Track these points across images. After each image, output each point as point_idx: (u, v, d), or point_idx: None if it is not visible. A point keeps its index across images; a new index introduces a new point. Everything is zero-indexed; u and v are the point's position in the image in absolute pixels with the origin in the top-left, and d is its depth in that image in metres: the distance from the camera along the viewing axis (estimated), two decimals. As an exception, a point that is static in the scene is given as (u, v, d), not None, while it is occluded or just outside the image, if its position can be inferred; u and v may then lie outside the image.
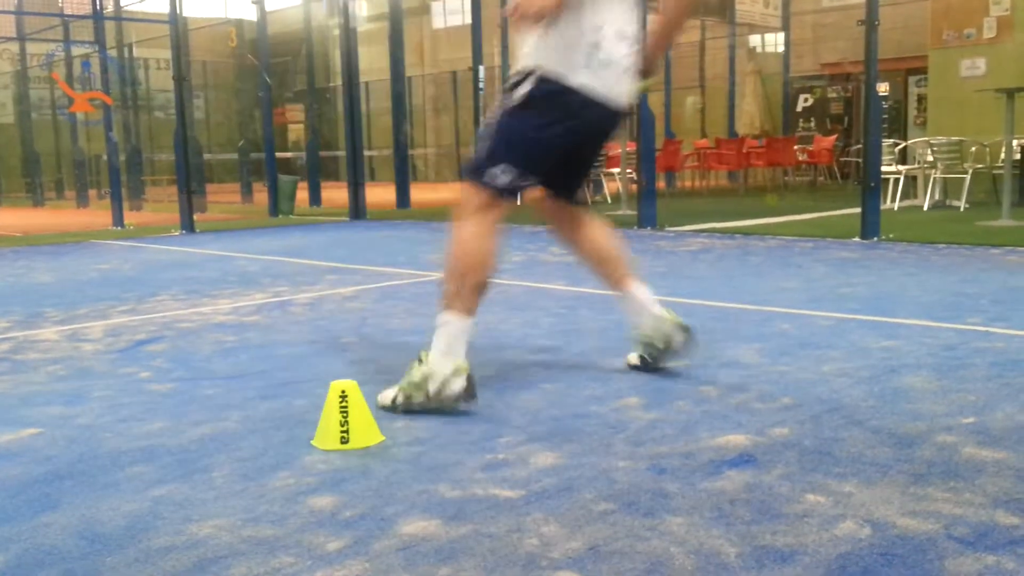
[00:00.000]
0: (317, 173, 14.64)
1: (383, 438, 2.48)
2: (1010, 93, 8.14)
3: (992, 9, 11.28)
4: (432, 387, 2.69)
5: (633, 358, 3.18)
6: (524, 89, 2.72)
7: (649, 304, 3.06)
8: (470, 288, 2.71)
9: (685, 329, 3.04)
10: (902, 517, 1.88)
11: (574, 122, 2.77)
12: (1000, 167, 8.48)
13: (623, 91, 2.82)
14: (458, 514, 1.96)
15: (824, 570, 1.66)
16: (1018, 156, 9.07)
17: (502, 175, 2.72)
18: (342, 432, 2.42)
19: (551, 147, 2.81)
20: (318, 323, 4.32)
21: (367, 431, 2.46)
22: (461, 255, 2.73)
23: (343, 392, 2.44)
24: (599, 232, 3.12)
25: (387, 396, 2.77)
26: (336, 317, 4.47)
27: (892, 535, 1.80)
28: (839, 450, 2.30)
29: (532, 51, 2.75)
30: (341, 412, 2.42)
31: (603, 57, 2.73)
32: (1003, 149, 8.34)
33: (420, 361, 2.73)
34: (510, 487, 2.11)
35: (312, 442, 2.46)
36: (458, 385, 2.68)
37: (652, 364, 3.12)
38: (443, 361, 2.69)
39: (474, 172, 2.76)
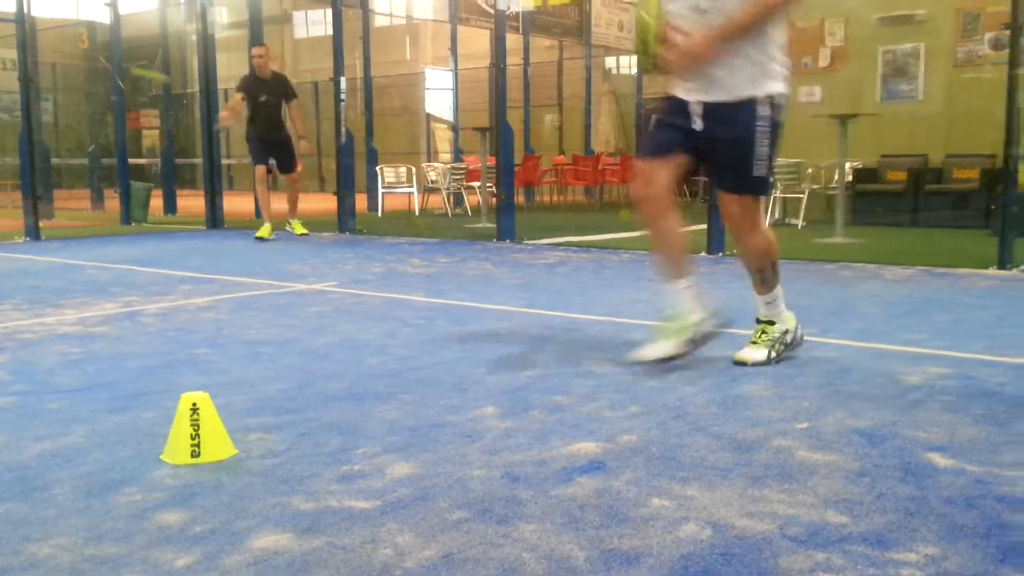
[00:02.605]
0: (172, 180, 14.17)
1: (236, 451, 2.44)
2: (843, 119, 8.68)
3: (827, 40, 12.01)
4: (789, 337, 3.49)
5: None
6: (780, 107, 3.28)
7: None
8: (777, 268, 3.50)
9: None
10: (740, 518, 1.99)
11: None
12: (834, 188, 9.01)
13: None
14: (311, 526, 1.95)
15: (668, 571, 1.74)
16: (850, 178, 9.65)
17: (769, 185, 3.51)
18: (192, 446, 2.37)
19: None
20: (170, 334, 4.19)
21: (219, 444, 2.42)
22: (773, 250, 3.44)
23: (194, 404, 2.39)
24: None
25: (757, 354, 3.42)
26: (189, 328, 4.35)
27: (731, 535, 1.90)
28: (683, 455, 2.41)
29: (765, 78, 3.25)
30: (192, 425, 2.37)
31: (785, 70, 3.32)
32: (836, 171, 8.88)
33: (771, 323, 3.49)
34: (365, 498, 2.11)
35: (161, 456, 2.40)
36: (800, 331, 3.56)
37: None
38: (789, 317, 3.53)
39: (763, 188, 3.40)
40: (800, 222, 10.02)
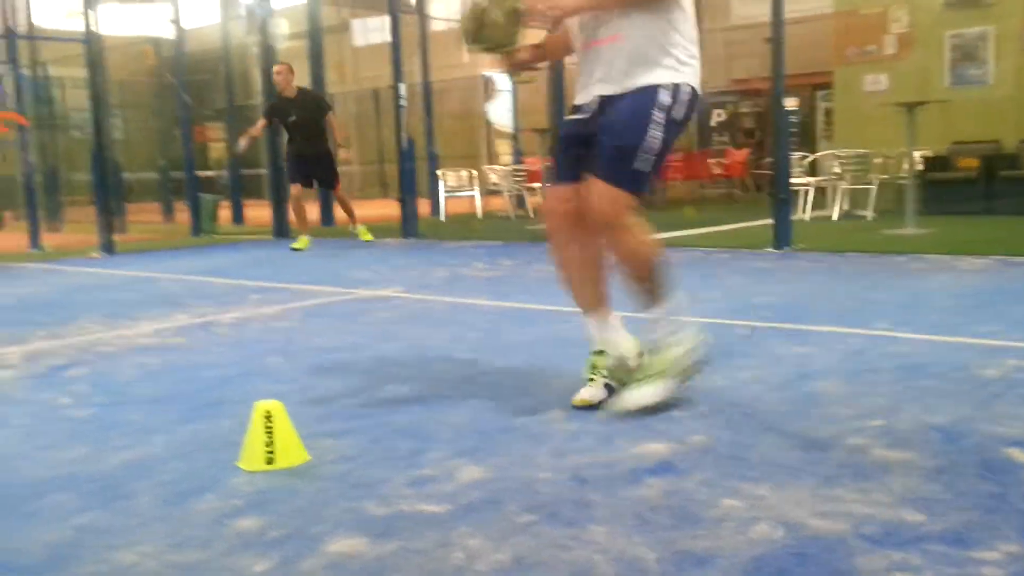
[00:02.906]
0: (239, 191, 14.46)
1: (309, 457, 2.49)
2: (910, 107, 8.48)
3: (892, 27, 11.75)
4: (688, 359, 2.89)
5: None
6: (683, 103, 2.84)
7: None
8: (663, 276, 2.91)
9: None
10: (814, 518, 1.96)
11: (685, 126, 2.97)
12: (904, 177, 8.82)
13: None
14: (385, 531, 1.98)
15: (740, 572, 1.73)
16: (920, 167, 9.43)
17: (648, 184, 2.88)
18: (267, 453, 2.42)
19: None
20: (243, 344, 4.28)
21: (293, 451, 2.47)
22: (653, 254, 2.90)
23: (268, 413, 2.44)
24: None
25: (640, 398, 2.82)
26: (261, 337, 4.44)
27: (804, 535, 1.88)
28: (754, 455, 2.39)
29: (661, 66, 2.83)
30: (266, 433, 2.43)
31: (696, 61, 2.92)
32: (906, 160, 8.68)
33: (663, 347, 2.88)
34: (437, 502, 2.14)
35: (237, 464, 2.46)
36: (702, 351, 2.94)
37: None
38: (689, 332, 2.93)
39: (638, 183, 2.83)
40: (869, 213, 9.82)
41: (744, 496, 2.10)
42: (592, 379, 3.01)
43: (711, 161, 15.07)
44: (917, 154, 9.03)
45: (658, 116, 2.79)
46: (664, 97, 2.80)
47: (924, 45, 11.43)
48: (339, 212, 10.02)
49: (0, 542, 2.00)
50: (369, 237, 9.75)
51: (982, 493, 2.07)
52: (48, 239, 11.31)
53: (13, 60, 11.48)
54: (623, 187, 2.80)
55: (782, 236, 7.39)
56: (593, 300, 3.06)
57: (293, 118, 8.85)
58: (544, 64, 3.35)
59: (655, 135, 2.79)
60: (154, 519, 2.11)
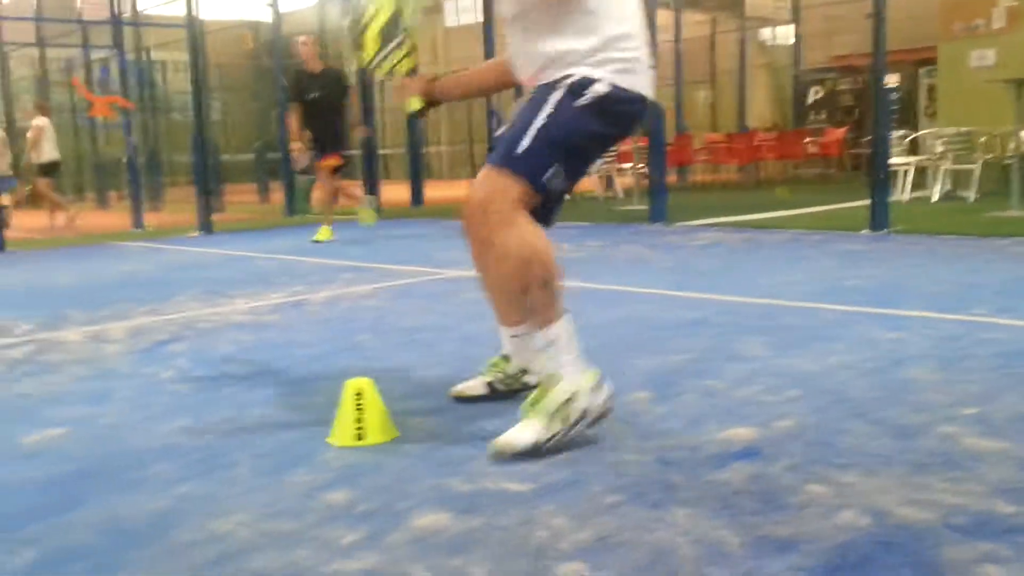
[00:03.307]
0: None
1: (398, 434, 2.55)
2: (1019, 84, 8.13)
3: (1002, 0, 11.26)
4: (580, 405, 2.37)
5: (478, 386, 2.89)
6: (598, 91, 2.44)
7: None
8: (554, 291, 2.43)
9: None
10: (902, 506, 1.93)
11: (620, 130, 2.62)
12: (1010, 157, 8.47)
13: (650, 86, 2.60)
14: (469, 507, 2.03)
15: (825, 558, 1.72)
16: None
17: (555, 177, 2.43)
18: (357, 429, 2.49)
19: (599, 156, 2.72)
20: (334, 322, 4.39)
21: (382, 428, 2.53)
22: (539, 262, 2.39)
23: (358, 390, 2.51)
24: None
25: (521, 438, 2.34)
26: (352, 316, 4.54)
27: (891, 524, 1.86)
28: (842, 441, 2.36)
29: (567, 64, 2.49)
30: (357, 410, 2.50)
31: (642, 57, 2.56)
32: (1013, 140, 8.34)
33: (543, 389, 2.41)
34: (520, 481, 2.17)
35: (328, 439, 2.54)
36: (604, 395, 2.44)
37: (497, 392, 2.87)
38: (582, 374, 2.42)
39: (526, 166, 2.40)
40: (972, 195, 9.47)
41: (830, 482, 2.08)
42: (482, 373, 2.86)
43: (807, 140, 14.72)
44: (1024, 133, 8.67)
45: (562, 103, 2.42)
46: (571, 88, 2.44)
47: (1036, 18, 10.93)
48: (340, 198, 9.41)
49: (106, 509, 2.12)
50: (370, 221, 9.28)
51: (1081, 486, 2.00)
52: (150, 218, 11.74)
53: (118, 45, 11.92)
54: (508, 167, 2.39)
55: (879, 218, 7.19)
56: (510, 315, 2.76)
57: (315, 95, 8.28)
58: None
59: (548, 121, 2.40)
60: (249, 490, 2.19)
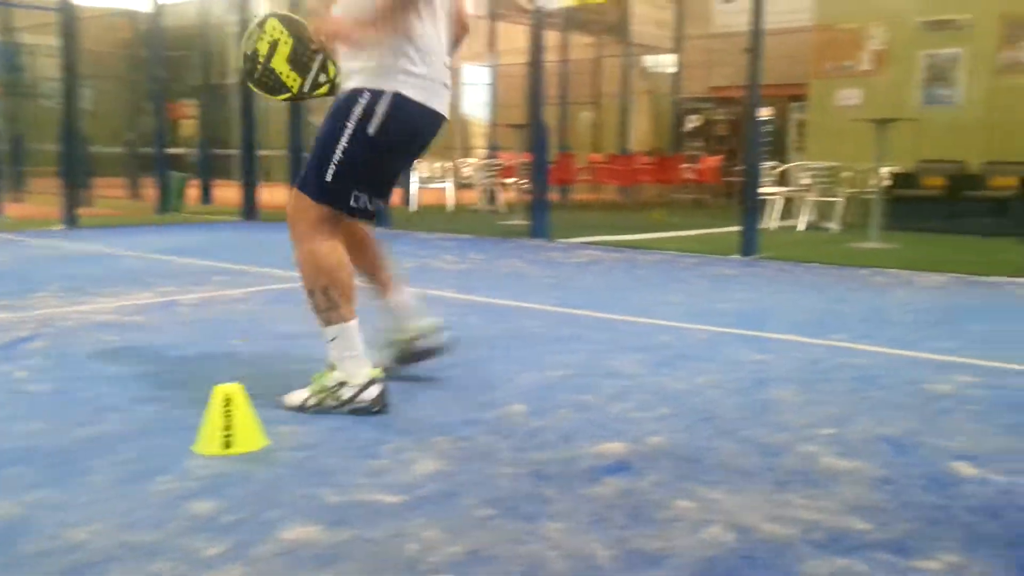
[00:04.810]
0: (209, 171, 14.34)
1: (268, 443, 2.49)
2: (881, 123, 8.60)
3: (868, 44, 11.89)
4: (346, 393, 2.79)
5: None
6: (380, 111, 2.72)
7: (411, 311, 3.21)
8: (336, 298, 2.80)
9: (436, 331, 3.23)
10: (764, 522, 2.00)
11: (415, 140, 2.89)
12: (871, 192, 8.94)
13: (444, 104, 2.90)
14: (339, 519, 1.99)
15: (691, 572, 1.76)
16: (887, 183, 9.56)
17: (358, 200, 2.80)
18: (225, 437, 2.42)
19: (398, 170, 2.96)
20: (205, 325, 4.26)
21: (251, 436, 2.46)
22: (324, 273, 2.80)
23: (227, 396, 2.44)
24: (372, 242, 3.17)
25: (296, 397, 2.84)
26: (224, 319, 4.41)
27: (755, 539, 1.92)
28: (710, 458, 2.43)
29: (368, 73, 2.75)
30: (225, 416, 2.42)
31: (428, 72, 2.80)
32: (873, 175, 8.80)
33: (332, 368, 2.82)
34: (393, 493, 2.15)
35: (194, 447, 2.45)
36: (373, 392, 2.81)
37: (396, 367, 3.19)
38: (356, 369, 2.80)
39: (320, 192, 2.77)
40: (835, 226, 9.94)
41: (698, 498, 2.14)
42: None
43: (684, 166, 15.18)
44: (885, 170, 9.16)
45: (353, 125, 2.73)
46: (364, 104, 2.73)
47: (898, 63, 11.59)
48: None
49: (-50, 514, 1.99)
50: None
51: (927, 504, 2.12)
52: (11, 209, 11.15)
53: (-17, 26, 11.28)
54: (309, 195, 2.78)
55: (749, 244, 7.47)
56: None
57: None
58: None
59: (343, 144, 2.73)
60: (108, 498, 2.10)
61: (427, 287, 5.54)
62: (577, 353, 3.73)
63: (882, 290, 5.68)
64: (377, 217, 2.99)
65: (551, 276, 6.22)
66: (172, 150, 14.72)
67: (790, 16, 13.57)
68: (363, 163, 2.76)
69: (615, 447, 2.50)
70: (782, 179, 11.03)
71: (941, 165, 10.74)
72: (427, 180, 13.80)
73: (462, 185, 13.92)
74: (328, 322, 2.83)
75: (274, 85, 2.91)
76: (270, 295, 5.23)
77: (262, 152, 12.53)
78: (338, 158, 2.74)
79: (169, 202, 12.33)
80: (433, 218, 11.52)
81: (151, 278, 5.80)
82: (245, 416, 2.47)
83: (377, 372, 2.85)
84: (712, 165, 15.20)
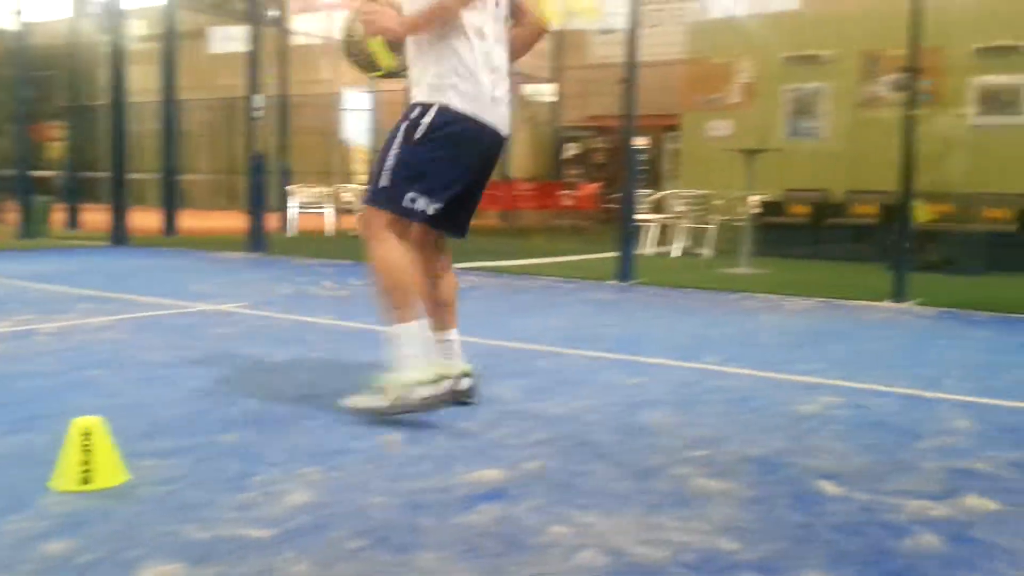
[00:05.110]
0: (76, 194, 13.77)
1: (129, 478, 2.38)
2: (749, 153, 8.94)
3: (737, 77, 12.37)
4: (419, 392, 2.92)
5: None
6: (426, 121, 2.98)
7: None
8: (396, 300, 2.96)
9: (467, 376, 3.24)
10: (637, 545, 2.02)
11: (461, 147, 3.03)
12: (740, 219, 9.26)
13: (502, 119, 3.09)
14: (205, 556, 1.91)
15: (563, 598, 1.76)
16: (756, 210, 9.92)
17: (415, 203, 2.99)
18: (84, 472, 2.30)
19: (451, 176, 3.05)
20: (65, 354, 4.06)
21: (111, 471, 2.35)
22: (388, 278, 2.96)
23: (86, 429, 2.32)
24: (449, 277, 3.36)
25: (364, 401, 3.00)
26: (86, 348, 4.22)
27: (627, 562, 1.93)
28: (585, 483, 2.44)
29: (424, 87, 3.02)
30: (83, 450, 2.30)
31: (476, 86, 3.01)
32: (743, 203, 9.13)
33: (394, 369, 2.96)
34: (262, 526, 2.08)
35: (49, 483, 2.32)
36: (442, 388, 2.96)
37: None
38: (417, 369, 2.94)
39: (379, 199, 3.01)
40: (708, 252, 10.25)
41: (572, 523, 2.14)
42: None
43: (563, 193, 15.44)
44: (754, 198, 9.51)
45: (400, 136, 3.01)
46: (415, 116, 3.00)
47: (765, 97, 12.08)
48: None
49: None
50: None
51: (793, 523, 2.18)
52: None
53: None
54: (372, 204, 3.04)
55: (625, 269, 7.61)
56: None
57: None
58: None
59: (394, 153, 3.00)
60: (-49, 540, 1.96)
61: (303, 314, 5.44)
62: (455, 379, 3.71)
63: (752, 314, 5.87)
64: (459, 230, 3.29)
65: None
66: (37, 173, 14.10)
67: (664, 49, 14.03)
68: (411, 165, 2.97)
69: (491, 474, 2.49)
70: (657, 206, 11.32)
71: (806, 194, 11.22)
72: (307, 205, 13.60)
73: (343, 211, 13.77)
74: (391, 323, 2.96)
75: (368, 63, 3.17)
76: (137, 323, 5.03)
77: (133, 175, 12.13)
78: (390, 164, 2.99)
79: (33, 227, 11.77)
80: (313, 244, 11.34)
81: (10, 305, 5.51)
82: (105, 450, 2.35)
83: (450, 369, 3.06)
84: (590, 192, 15.49)
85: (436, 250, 3.27)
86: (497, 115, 3.07)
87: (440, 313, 3.25)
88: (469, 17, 2.99)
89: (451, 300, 3.32)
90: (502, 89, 3.09)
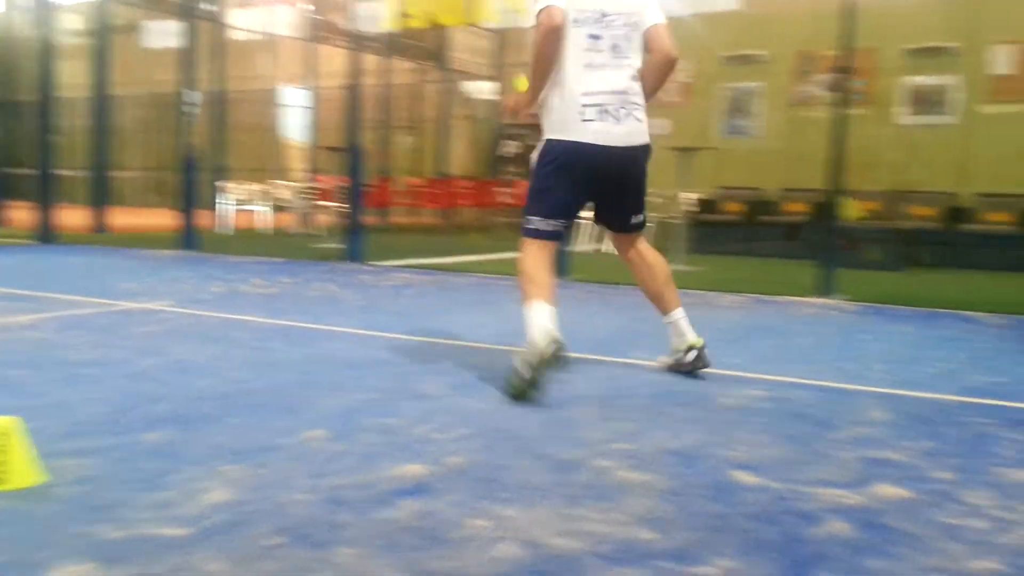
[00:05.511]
0: (2, 191, 13.42)
1: (46, 478, 2.33)
2: (684, 151, 9.05)
3: (676, 76, 12.52)
4: (536, 356, 3.31)
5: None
6: (533, 156, 3.63)
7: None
8: (527, 285, 3.53)
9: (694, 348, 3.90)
10: (555, 537, 2.04)
11: (562, 169, 3.55)
12: (676, 217, 9.37)
13: (584, 132, 3.51)
14: (118, 556, 1.89)
15: (479, 590, 1.77)
16: (693, 208, 10.07)
17: (531, 224, 3.61)
18: (-5, 472, 2.25)
19: (561, 194, 3.59)
20: (-16, 355, 3.96)
21: (26, 471, 2.30)
22: (520, 270, 3.60)
23: (2, 430, 2.27)
24: (654, 259, 4.07)
25: (515, 379, 3.36)
26: (6, 347, 4.12)
27: (545, 554, 1.95)
28: (507, 476, 2.46)
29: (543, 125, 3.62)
30: (-4, 451, 2.26)
31: (562, 111, 3.52)
32: (678, 201, 9.25)
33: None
34: (179, 525, 2.06)
35: (-40, 485, 2.27)
36: (552, 350, 3.35)
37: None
38: (535, 339, 3.36)
39: (525, 225, 3.66)
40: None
41: (492, 516, 2.16)
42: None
43: (500, 190, 15.46)
44: (690, 196, 9.64)
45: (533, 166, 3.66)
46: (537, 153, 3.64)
47: (703, 96, 12.24)
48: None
49: None
50: None
51: (709, 513, 2.22)
52: None
53: None
54: (523, 235, 3.67)
55: (561, 266, 7.64)
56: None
57: None
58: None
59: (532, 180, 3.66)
60: None
61: (231, 312, 5.38)
62: (384, 376, 3.71)
63: (684, 310, 5.93)
64: (622, 227, 4.00)
65: (362, 299, 6.16)
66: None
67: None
68: (530, 196, 3.65)
69: (414, 469, 2.50)
70: (594, 204, 11.39)
71: (740, 192, 11.41)
72: (242, 202, 13.44)
73: (280, 208, 13.63)
74: (523, 303, 3.49)
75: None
76: (62, 322, 4.93)
77: (64, 172, 11.86)
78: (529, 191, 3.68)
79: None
80: (248, 241, 11.20)
81: (-74, 305, 5.35)
82: (21, 451, 2.30)
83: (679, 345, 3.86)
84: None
85: (627, 245, 4.04)
86: (588, 129, 3.50)
87: (657, 301, 3.97)
88: (564, 58, 3.48)
89: (660, 287, 3.97)
90: (615, 107, 3.55)
